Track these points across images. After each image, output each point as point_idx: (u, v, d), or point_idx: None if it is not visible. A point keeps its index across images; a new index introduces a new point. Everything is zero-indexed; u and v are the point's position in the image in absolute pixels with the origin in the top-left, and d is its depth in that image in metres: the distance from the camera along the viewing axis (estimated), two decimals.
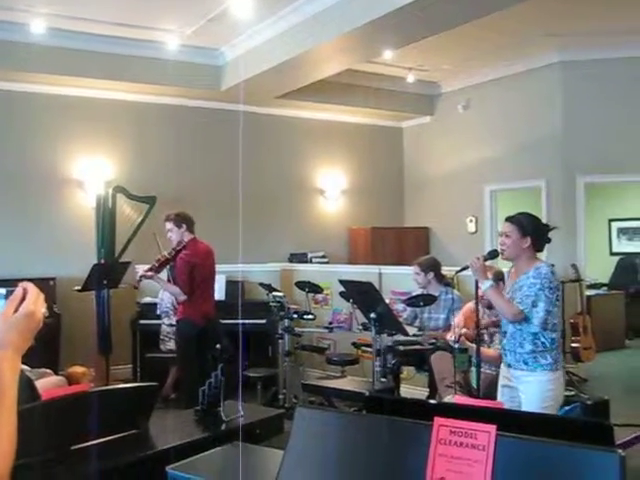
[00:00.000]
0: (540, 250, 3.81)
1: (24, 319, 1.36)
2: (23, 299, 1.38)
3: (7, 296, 1.39)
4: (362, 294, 5.70)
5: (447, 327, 5.74)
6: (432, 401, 4.42)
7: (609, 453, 1.55)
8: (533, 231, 3.69)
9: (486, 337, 4.90)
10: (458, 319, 4.97)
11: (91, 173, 8.07)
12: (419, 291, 6.17)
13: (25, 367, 4.34)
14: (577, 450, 1.59)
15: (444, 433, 1.69)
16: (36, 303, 1.38)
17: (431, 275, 6.00)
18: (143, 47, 7.68)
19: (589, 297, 8.97)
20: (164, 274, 5.98)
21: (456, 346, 4.33)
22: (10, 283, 1.43)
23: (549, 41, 7.91)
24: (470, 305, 4.88)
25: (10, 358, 1.33)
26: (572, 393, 6.59)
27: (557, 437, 1.65)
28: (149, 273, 5.59)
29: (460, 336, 4.47)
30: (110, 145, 8.26)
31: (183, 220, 5.64)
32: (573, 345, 7.46)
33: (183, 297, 5.53)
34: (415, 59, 8.53)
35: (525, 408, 3.59)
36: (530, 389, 3.63)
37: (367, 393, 4.88)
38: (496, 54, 8.42)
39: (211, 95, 8.54)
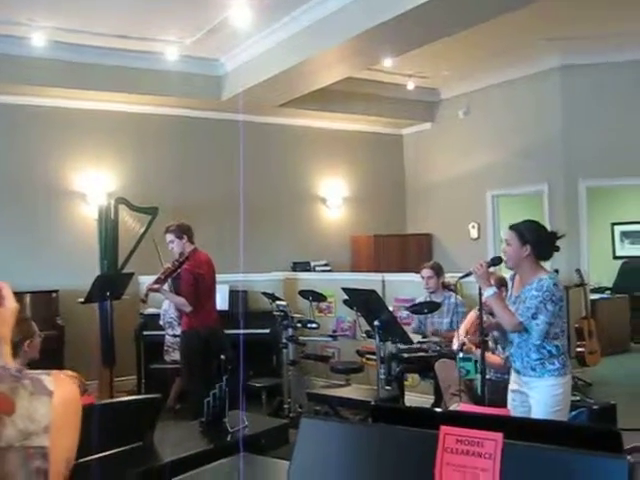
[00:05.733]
0: (545, 259, 3.76)
1: (10, 314, 1.42)
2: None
3: None
4: (365, 302, 5.69)
5: (450, 330, 5.75)
6: (438, 409, 4.39)
7: (617, 460, 1.54)
8: (533, 239, 3.63)
9: (491, 344, 4.88)
10: (462, 327, 4.95)
11: (93, 185, 8.08)
12: (423, 298, 6.18)
13: None
14: (585, 457, 1.57)
15: (450, 442, 1.67)
16: (13, 299, 1.44)
17: (442, 278, 6.07)
18: (143, 58, 7.69)
19: (593, 301, 8.95)
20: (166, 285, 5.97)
21: (460, 355, 4.30)
22: (14, 296, 1.47)
23: (549, 45, 7.91)
24: (474, 313, 4.87)
25: (6, 352, 1.40)
26: (577, 398, 6.54)
27: (564, 443, 1.64)
28: (156, 286, 5.57)
29: (463, 345, 4.44)
30: (112, 156, 8.27)
31: (184, 231, 5.64)
32: (578, 350, 7.43)
33: (189, 308, 5.53)
34: (415, 66, 8.53)
35: (535, 413, 3.58)
36: (539, 394, 3.61)
37: (372, 401, 4.87)
38: (496, 59, 8.42)
39: (212, 105, 8.55)
